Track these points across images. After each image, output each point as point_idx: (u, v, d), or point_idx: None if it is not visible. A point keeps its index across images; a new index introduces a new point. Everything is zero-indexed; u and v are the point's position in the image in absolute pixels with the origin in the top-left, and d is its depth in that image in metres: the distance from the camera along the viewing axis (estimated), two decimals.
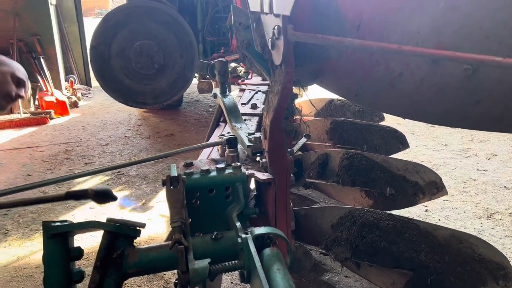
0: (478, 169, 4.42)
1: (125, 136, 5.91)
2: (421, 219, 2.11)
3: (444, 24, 0.95)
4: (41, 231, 1.16)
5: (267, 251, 1.14)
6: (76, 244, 1.24)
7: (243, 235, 1.15)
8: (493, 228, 3.29)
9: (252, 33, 1.41)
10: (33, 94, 7.31)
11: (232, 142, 1.58)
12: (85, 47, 8.71)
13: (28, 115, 6.83)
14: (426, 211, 3.58)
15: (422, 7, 0.98)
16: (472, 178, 4.20)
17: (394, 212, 2.25)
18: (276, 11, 1.15)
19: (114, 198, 1.10)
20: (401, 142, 3.29)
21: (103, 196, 1.04)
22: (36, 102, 7.34)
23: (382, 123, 3.71)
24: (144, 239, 3.21)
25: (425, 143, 5.21)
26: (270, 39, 1.21)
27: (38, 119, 6.71)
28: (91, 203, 3.98)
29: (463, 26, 0.92)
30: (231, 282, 2.74)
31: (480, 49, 0.89)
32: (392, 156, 3.00)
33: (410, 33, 1.00)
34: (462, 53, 0.86)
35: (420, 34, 0.99)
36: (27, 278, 2.82)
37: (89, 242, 3.15)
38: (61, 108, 7.12)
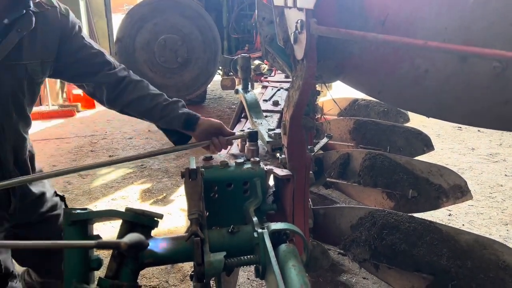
0: (506, 175, 4.28)
1: (149, 131, 5.99)
2: (444, 223, 2.05)
3: (473, 20, 0.92)
4: None
5: (283, 247, 1.13)
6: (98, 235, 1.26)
7: (260, 230, 1.15)
8: None
9: (275, 27, 1.40)
10: (62, 87, 7.50)
11: (253, 136, 1.57)
12: (113, 43, 8.88)
13: (56, 107, 7.02)
14: (449, 215, 3.50)
15: (450, 2, 0.95)
16: (499, 184, 4.08)
17: (416, 215, 2.20)
18: (299, 4, 1.14)
19: (146, 247, 1.11)
20: (425, 144, 3.22)
21: (136, 248, 1.05)
22: (64, 95, 7.53)
23: (407, 124, 3.64)
24: (163, 232, 3.25)
25: (451, 146, 5.08)
26: (292, 33, 1.20)
27: (65, 112, 6.88)
28: (114, 194, 4.06)
29: (494, 22, 0.89)
30: (248, 278, 2.74)
31: (510, 47, 0.86)
32: (416, 158, 2.94)
33: (437, 29, 0.97)
34: (492, 50, 0.83)
35: (448, 30, 0.96)
36: None
37: (110, 233, 3.21)
38: (88, 101, 7.29)
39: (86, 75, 1.64)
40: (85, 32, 1.70)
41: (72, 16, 1.65)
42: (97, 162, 1.64)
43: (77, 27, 1.64)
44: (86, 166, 1.60)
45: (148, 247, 1.19)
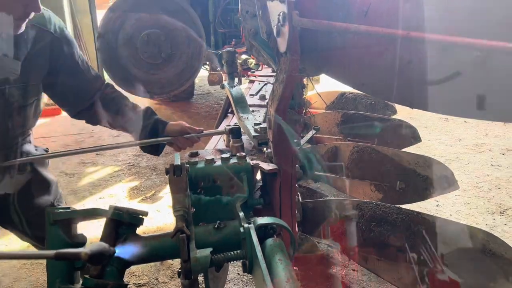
0: (492, 164, 4.33)
1: None
2: (431, 214, 2.07)
3: (454, 9, 0.91)
4: None
5: (269, 241, 1.13)
6: (86, 233, 1.25)
7: (246, 225, 1.14)
8: (505, 224, 3.23)
9: (258, 20, 1.38)
10: None
11: (235, 132, 1.56)
12: None
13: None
14: (437, 206, 3.53)
15: None
16: (485, 174, 4.12)
17: (404, 206, 2.21)
18: None
19: (111, 256, 1.05)
20: (413, 136, 3.23)
21: (98, 258, 0.98)
22: None
23: (394, 116, 3.65)
24: (152, 230, 3.23)
25: (438, 138, 5.13)
26: (275, 26, 1.19)
27: (51, 110, 6.76)
28: (102, 193, 4.02)
29: (474, 11, 0.89)
30: (238, 273, 2.74)
31: (492, 36, 0.86)
32: (403, 150, 2.95)
33: (419, 19, 0.97)
34: (473, 39, 0.83)
35: (429, 20, 0.95)
36: (36, 266, 2.85)
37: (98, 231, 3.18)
38: None
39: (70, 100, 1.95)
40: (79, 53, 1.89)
41: (65, 39, 1.82)
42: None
43: (70, 51, 1.83)
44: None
45: (134, 245, 1.18)
